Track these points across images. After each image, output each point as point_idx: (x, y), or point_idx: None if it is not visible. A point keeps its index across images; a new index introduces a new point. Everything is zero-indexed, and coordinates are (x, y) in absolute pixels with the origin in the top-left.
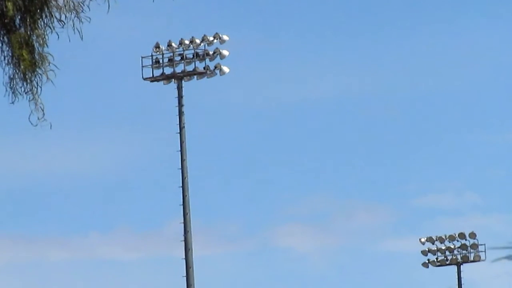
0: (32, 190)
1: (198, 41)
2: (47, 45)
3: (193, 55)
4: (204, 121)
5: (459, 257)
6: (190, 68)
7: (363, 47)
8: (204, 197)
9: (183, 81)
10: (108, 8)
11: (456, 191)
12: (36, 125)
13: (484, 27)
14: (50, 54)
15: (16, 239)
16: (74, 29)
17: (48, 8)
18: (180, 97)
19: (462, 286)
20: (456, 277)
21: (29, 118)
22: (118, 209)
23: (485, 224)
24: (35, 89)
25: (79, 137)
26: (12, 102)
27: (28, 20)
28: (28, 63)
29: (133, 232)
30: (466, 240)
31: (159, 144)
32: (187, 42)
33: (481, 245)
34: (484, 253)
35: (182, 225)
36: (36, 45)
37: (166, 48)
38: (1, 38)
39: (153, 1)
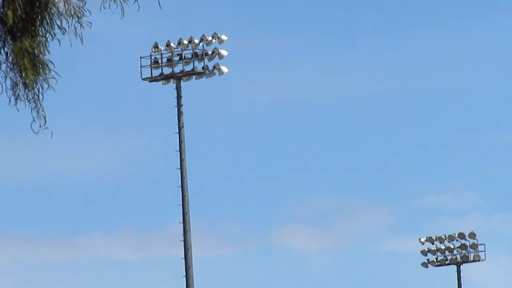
0: (34, 191)
1: (196, 41)
2: (48, 52)
3: (192, 55)
4: (203, 121)
5: (458, 257)
6: (188, 68)
7: (363, 47)
8: (204, 197)
9: (182, 81)
10: (122, 13)
11: (456, 191)
12: (38, 132)
13: (484, 27)
14: (51, 62)
15: (18, 239)
16: (76, 35)
17: (49, 15)
18: (179, 97)
19: (462, 286)
20: (456, 277)
21: (31, 126)
22: (119, 210)
23: (485, 224)
24: (37, 97)
25: (78, 137)
26: (15, 105)
27: (29, 28)
28: (30, 72)
29: (135, 232)
30: (465, 240)
31: (158, 144)
32: (185, 42)
33: (481, 245)
34: (484, 253)
35: (182, 225)
36: (36, 52)
37: (164, 48)
38: (3, 46)
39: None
